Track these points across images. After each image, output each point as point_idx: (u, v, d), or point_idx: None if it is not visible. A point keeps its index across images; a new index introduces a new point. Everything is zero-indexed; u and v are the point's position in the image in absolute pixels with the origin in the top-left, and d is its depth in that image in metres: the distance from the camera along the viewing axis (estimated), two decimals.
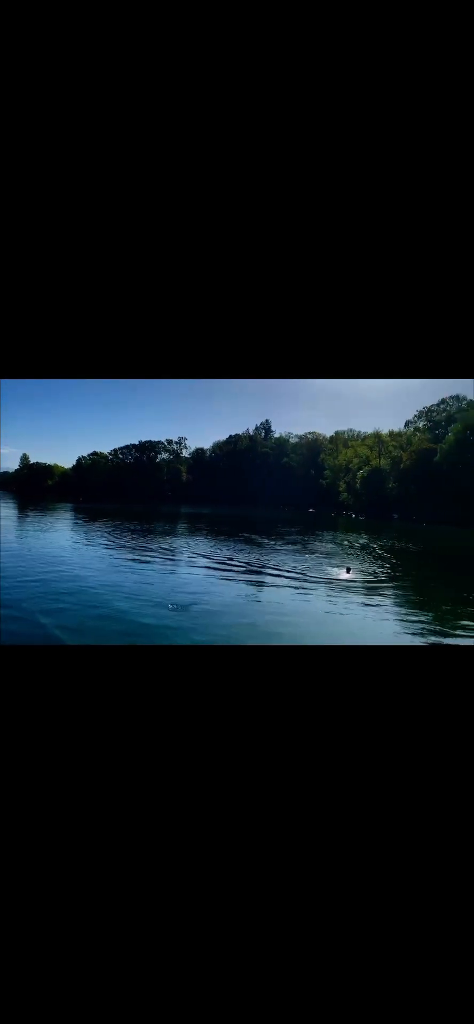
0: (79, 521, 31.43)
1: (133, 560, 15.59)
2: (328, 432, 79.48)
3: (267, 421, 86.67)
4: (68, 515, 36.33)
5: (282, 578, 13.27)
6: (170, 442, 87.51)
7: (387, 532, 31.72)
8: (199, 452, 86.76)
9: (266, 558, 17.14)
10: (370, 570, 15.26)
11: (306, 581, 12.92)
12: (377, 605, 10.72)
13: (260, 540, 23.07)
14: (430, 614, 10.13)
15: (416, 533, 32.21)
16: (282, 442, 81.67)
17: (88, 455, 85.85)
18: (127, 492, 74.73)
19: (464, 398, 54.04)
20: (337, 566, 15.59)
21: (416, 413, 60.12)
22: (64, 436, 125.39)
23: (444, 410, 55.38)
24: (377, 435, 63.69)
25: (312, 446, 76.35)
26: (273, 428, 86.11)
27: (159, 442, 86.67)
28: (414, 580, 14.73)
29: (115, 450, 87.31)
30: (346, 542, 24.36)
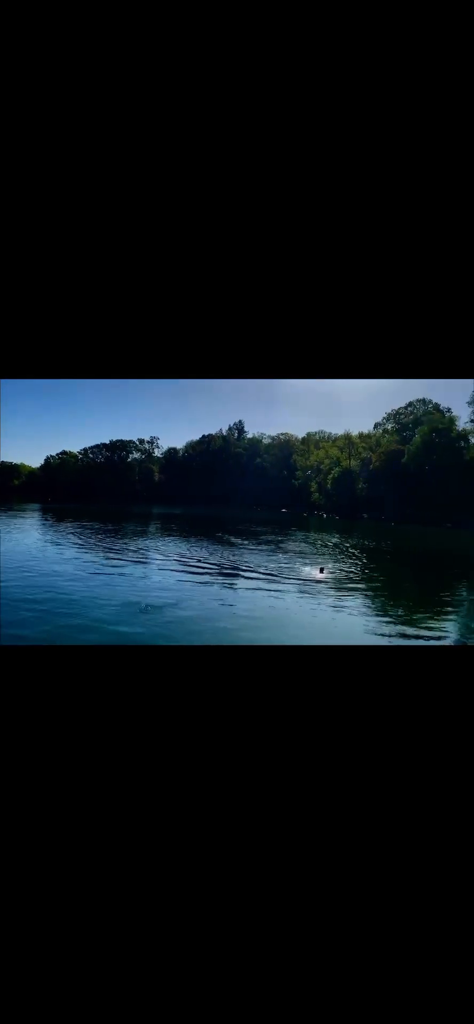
0: (47, 522, 30.46)
1: (103, 562, 15.18)
2: (300, 433, 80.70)
3: (240, 421, 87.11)
4: (35, 516, 35.15)
5: (255, 579, 13.25)
6: (142, 441, 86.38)
7: (357, 531, 32.42)
8: (172, 452, 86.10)
9: (239, 558, 17.09)
10: (344, 569, 15.49)
11: (280, 582, 12.96)
12: (346, 606, 10.85)
13: (234, 540, 23.03)
14: (401, 611, 10.36)
15: (385, 532, 33.07)
16: (255, 443, 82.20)
17: (57, 454, 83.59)
18: (98, 492, 73.38)
19: (430, 402, 56.07)
20: (311, 565, 15.73)
21: (385, 415, 61.86)
22: (30, 436, 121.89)
23: (411, 413, 57.24)
24: (347, 436, 65.12)
25: (284, 447, 77.24)
26: (246, 429, 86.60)
27: (130, 441, 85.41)
28: (388, 579, 15.06)
29: (85, 449, 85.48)
30: (319, 541, 24.69)
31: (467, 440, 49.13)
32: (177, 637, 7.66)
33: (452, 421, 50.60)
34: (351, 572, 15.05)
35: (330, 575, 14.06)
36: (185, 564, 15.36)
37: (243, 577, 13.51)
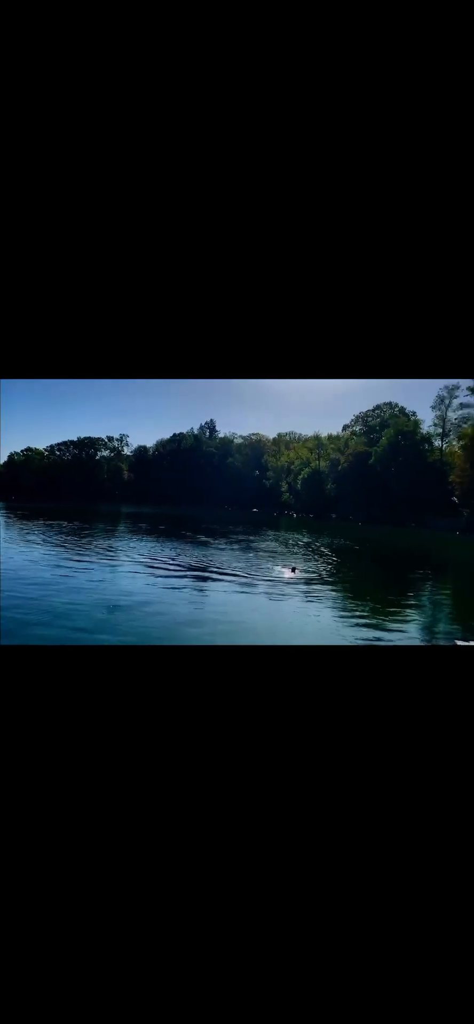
0: (10, 520, 29.25)
1: (69, 562, 14.71)
2: (271, 434, 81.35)
3: (211, 421, 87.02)
4: None
5: (226, 580, 13.20)
6: (111, 439, 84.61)
7: (326, 531, 33.02)
8: (141, 450, 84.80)
9: (210, 558, 17.01)
10: (314, 569, 15.69)
11: (251, 582, 12.97)
12: (318, 604, 11.00)
13: (205, 539, 22.91)
14: (369, 608, 10.59)
15: (353, 532, 33.86)
16: (227, 442, 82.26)
17: (21, 451, 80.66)
18: (65, 490, 71.39)
19: (396, 405, 57.88)
20: (282, 565, 15.86)
21: (353, 417, 63.33)
22: None
23: (378, 415, 58.85)
24: (317, 438, 66.27)
25: (256, 447, 77.72)
26: (217, 428, 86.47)
27: (99, 439, 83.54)
28: (357, 577, 15.38)
29: (52, 447, 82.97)
30: (290, 541, 24.96)
31: (430, 443, 51.09)
32: (150, 637, 7.50)
33: (417, 424, 52.46)
34: (322, 571, 15.28)
35: (302, 574, 14.22)
36: (154, 564, 15.12)
37: (212, 580, 13.44)
